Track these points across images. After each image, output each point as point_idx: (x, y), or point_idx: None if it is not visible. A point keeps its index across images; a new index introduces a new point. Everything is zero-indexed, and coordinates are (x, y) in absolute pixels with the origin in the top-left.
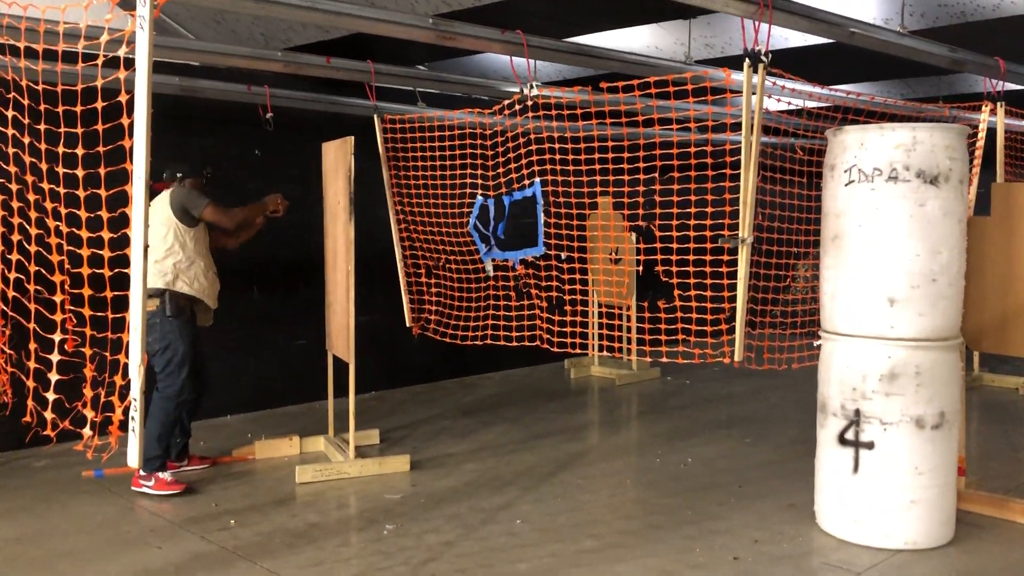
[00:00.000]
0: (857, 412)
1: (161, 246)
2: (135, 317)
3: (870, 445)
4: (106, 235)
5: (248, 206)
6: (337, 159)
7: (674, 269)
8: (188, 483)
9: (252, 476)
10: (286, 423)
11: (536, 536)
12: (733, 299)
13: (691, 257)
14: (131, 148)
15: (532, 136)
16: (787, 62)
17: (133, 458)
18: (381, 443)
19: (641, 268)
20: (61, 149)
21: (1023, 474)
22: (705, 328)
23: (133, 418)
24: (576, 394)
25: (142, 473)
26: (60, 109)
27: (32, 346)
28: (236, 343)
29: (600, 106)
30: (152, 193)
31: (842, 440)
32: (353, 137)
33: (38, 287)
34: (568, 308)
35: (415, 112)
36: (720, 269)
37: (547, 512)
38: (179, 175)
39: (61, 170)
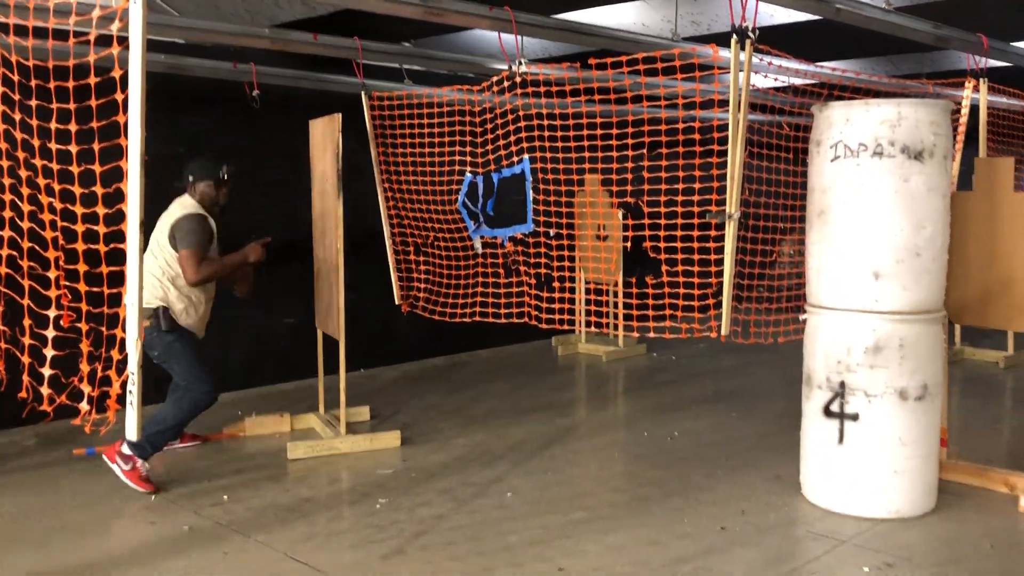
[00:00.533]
0: (842, 384)
1: (160, 262)
2: (131, 292)
3: (855, 417)
4: (101, 210)
5: (224, 260)
6: (325, 136)
7: (662, 245)
8: (157, 484)
9: (243, 452)
10: (276, 401)
11: (526, 509)
12: (720, 275)
13: (679, 233)
14: (125, 123)
15: (520, 113)
16: (774, 39)
17: (131, 431)
18: (372, 420)
19: (629, 244)
20: (53, 125)
21: (1003, 445)
22: (692, 304)
23: (131, 392)
24: (564, 371)
25: (125, 452)
26: (52, 85)
27: (27, 322)
28: (226, 321)
29: (588, 83)
30: (176, 192)
31: (827, 412)
32: (340, 114)
33: (32, 263)
34: (556, 285)
35: (403, 90)
36: (707, 245)
37: (537, 485)
38: (190, 178)
39: (54, 146)
